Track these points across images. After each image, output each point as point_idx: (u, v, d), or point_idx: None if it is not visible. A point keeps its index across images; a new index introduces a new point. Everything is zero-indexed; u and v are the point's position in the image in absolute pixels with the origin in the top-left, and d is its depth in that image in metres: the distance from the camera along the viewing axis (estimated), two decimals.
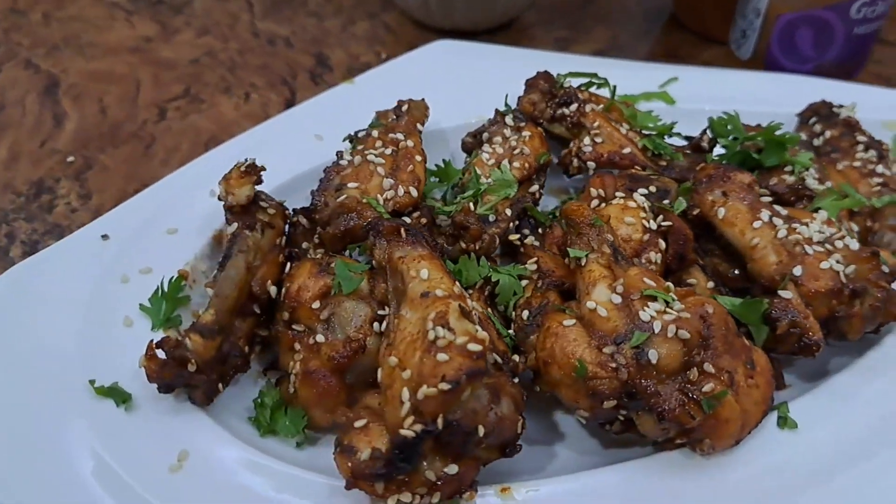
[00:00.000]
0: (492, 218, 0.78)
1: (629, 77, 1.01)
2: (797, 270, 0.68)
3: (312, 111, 0.95)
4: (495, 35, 1.25)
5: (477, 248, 0.76)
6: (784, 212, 0.75)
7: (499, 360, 0.61)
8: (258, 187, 0.74)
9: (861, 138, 0.89)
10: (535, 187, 0.85)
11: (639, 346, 0.60)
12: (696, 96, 1.01)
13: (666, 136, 0.90)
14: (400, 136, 0.84)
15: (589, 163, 0.87)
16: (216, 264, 0.74)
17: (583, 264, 0.68)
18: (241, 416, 0.68)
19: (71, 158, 1.03)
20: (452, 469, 0.57)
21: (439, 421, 0.55)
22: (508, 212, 0.80)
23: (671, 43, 1.25)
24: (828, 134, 0.91)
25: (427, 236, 0.69)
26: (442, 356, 0.56)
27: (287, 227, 0.78)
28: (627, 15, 1.33)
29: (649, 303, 0.62)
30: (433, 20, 1.23)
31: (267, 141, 0.90)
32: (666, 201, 0.80)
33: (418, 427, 0.55)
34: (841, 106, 0.93)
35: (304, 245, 0.78)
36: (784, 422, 0.65)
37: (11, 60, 1.21)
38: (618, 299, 0.63)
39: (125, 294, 0.72)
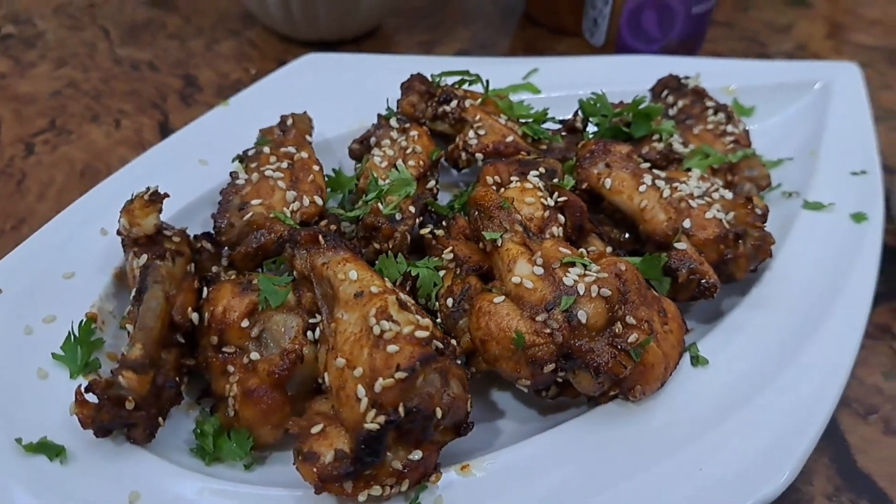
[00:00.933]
0: (398, 216, 0.80)
1: (495, 72, 1.06)
2: (686, 223, 0.75)
3: (191, 137, 0.93)
4: (360, 44, 1.27)
5: (390, 246, 0.78)
6: (663, 174, 0.82)
7: (440, 345, 0.63)
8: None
9: (709, 104, 0.99)
10: (431, 183, 0.88)
11: (568, 308, 0.64)
12: (559, 84, 1.08)
13: (541, 123, 0.96)
14: (292, 149, 0.84)
15: (477, 154, 0.91)
16: (124, 303, 0.72)
17: (499, 245, 0.71)
18: (182, 449, 0.66)
19: None
20: (417, 455, 0.58)
21: (400, 409, 0.56)
22: (412, 209, 0.82)
23: (528, 38, 1.33)
24: (680, 104, 1.01)
25: (345, 242, 0.70)
26: (392, 347, 0.58)
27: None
28: (484, 14, 1.39)
29: (570, 269, 0.66)
30: (298, 33, 1.23)
31: (150, 171, 0.87)
32: (555, 180, 0.85)
33: (381, 419, 0.56)
34: (687, 77, 1.03)
35: (214, 269, 0.76)
36: (696, 360, 0.71)
37: None
38: (540, 270, 0.67)
39: (32, 346, 0.67)
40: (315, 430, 0.59)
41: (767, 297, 0.78)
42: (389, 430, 0.56)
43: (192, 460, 0.65)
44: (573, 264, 0.67)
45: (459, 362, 0.63)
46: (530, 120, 0.96)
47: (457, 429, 0.62)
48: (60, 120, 1.11)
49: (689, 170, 0.85)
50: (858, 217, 0.87)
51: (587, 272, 0.66)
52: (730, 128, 0.96)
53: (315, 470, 0.57)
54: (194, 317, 0.68)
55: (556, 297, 0.65)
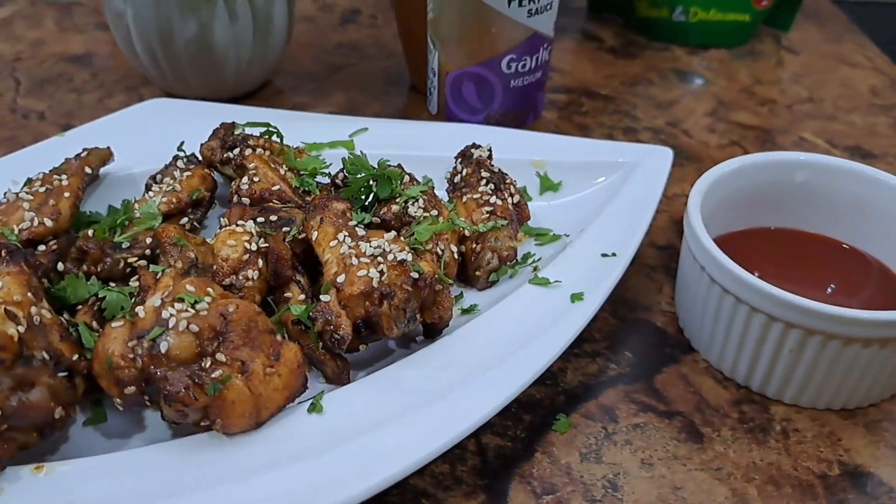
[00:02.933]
0: (125, 245, 0.89)
1: (328, 128, 1.16)
2: (340, 278, 0.80)
3: (22, 161, 1.06)
4: (249, 99, 1.40)
5: (98, 270, 0.87)
6: (362, 232, 0.87)
7: (46, 357, 0.71)
8: None
9: (485, 174, 1.02)
10: (184, 220, 0.97)
11: (154, 338, 0.70)
12: (381, 144, 1.14)
13: (314, 176, 1.03)
14: (63, 177, 0.96)
15: (244, 199, 0.99)
16: None
17: (158, 277, 0.79)
18: None
19: None
20: None
21: None
22: (148, 240, 0.91)
23: (400, 104, 1.40)
24: (465, 172, 1.05)
25: (27, 257, 0.80)
26: None
27: None
28: (371, 81, 1.48)
29: (176, 304, 0.73)
30: (176, 91, 1.36)
31: None
32: (287, 228, 0.92)
33: None
34: (479, 147, 1.07)
35: None
36: (314, 407, 0.75)
37: None
38: (158, 302, 0.74)
39: None
40: None
41: (430, 352, 0.81)
42: None
43: None
44: (182, 300, 0.73)
45: (62, 374, 0.71)
46: (305, 173, 1.03)
47: (39, 431, 0.70)
48: None
49: (399, 232, 0.89)
50: (576, 297, 0.87)
51: (189, 308, 0.72)
52: (493, 199, 0.99)
53: None
54: None
55: (150, 327, 0.71)
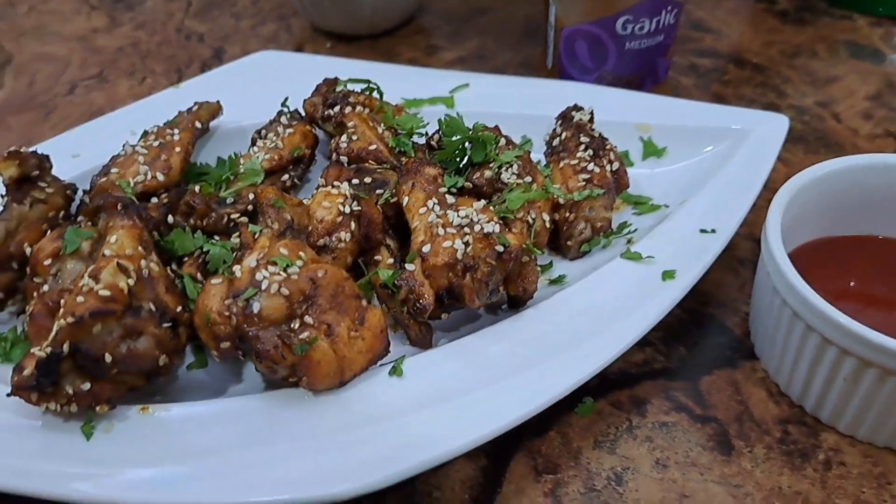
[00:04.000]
0: (229, 200, 0.94)
1: (429, 84, 1.16)
2: (426, 248, 0.81)
3: (138, 112, 1.12)
4: (387, 37, 1.44)
5: (204, 224, 0.92)
6: (452, 200, 0.87)
7: (153, 308, 0.77)
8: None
9: (584, 139, 1.00)
10: (286, 177, 1.00)
11: (248, 299, 0.74)
12: (492, 101, 1.13)
13: (411, 136, 1.03)
14: (175, 131, 1.01)
15: (342, 157, 1.01)
16: None
17: (256, 238, 0.83)
18: None
19: None
20: (86, 386, 0.73)
21: (65, 347, 0.71)
22: (251, 196, 0.95)
23: (530, 55, 1.37)
24: (564, 135, 1.02)
25: (140, 212, 0.85)
26: (80, 299, 0.73)
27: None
28: (510, 28, 1.47)
29: (270, 266, 0.76)
30: (318, 24, 1.42)
31: (94, 134, 1.09)
32: (381, 191, 0.94)
33: (48, 350, 0.71)
34: (580, 109, 1.04)
35: (80, 218, 0.96)
36: (395, 370, 0.78)
37: None
38: (253, 263, 0.78)
39: None
40: (34, 350, 0.76)
41: (504, 329, 0.82)
42: (57, 360, 0.71)
43: None
44: (275, 263, 0.76)
45: (166, 325, 0.77)
46: (403, 132, 1.04)
47: (147, 376, 0.76)
48: (107, 71, 1.42)
49: (490, 200, 0.89)
50: (667, 275, 0.85)
51: (282, 272, 0.76)
52: (590, 166, 0.97)
53: (15, 378, 0.74)
54: (28, 250, 0.88)
55: (246, 287, 0.75)
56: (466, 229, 0.82)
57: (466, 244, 0.80)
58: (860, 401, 0.73)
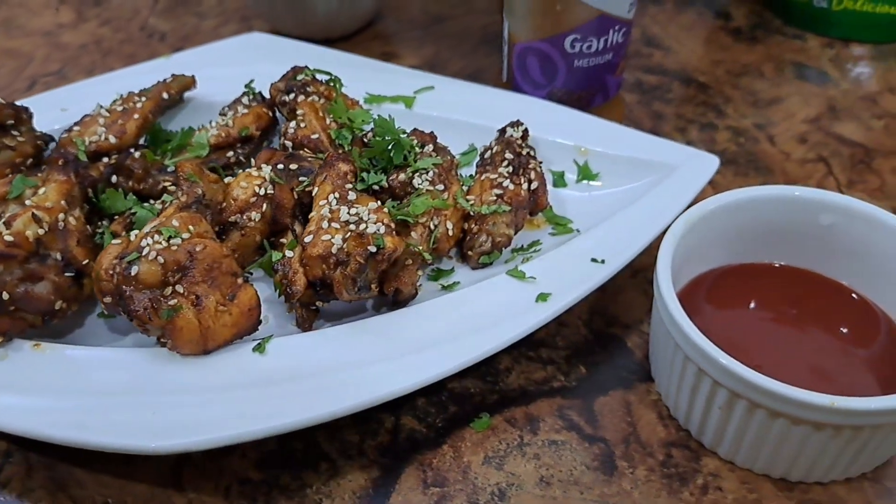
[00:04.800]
0: (170, 169, 1.02)
1: (396, 82, 1.21)
2: (308, 238, 0.87)
3: (126, 78, 1.22)
4: (342, 42, 1.47)
5: (141, 188, 1.01)
6: (353, 197, 0.92)
7: (59, 258, 0.86)
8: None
9: (508, 155, 1.03)
10: (230, 153, 1.08)
11: (129, 262, 0.82)
12: (449, 105, 1.17)
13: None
14: (142, 99, 1.10)
15: (287, 142, 1.08)
16: None
17: (164, 207, 0.91)
18: None
19: None
20: None
21: None
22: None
23: (483, 66, 1.40)
24: (495, 149, 1.06)
25: (78, 169, 0.95)
26: None
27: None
28: (465, 38, 1.48)
29: (156, 235, 0.84)
30: (274, 26, 1.46)
31: (78, 95, 1.19)
32: (304, 178, 1.00)
33: None
34: (517, 125, 1.06)
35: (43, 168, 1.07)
36: (259, 347, 0.84)
37: None
38: (147, 230, 0.86)
39: None
40: None
41: (386, 318, 0.87)
42: None
43: None
44: (161, 232, 0.84)
45: (69, 274, 0.86)
46: (344, 126, 1.09)
47: (43, 316, 0.86)
48: (67, 68, 1.44)
49: (400, 202, 0.95)
50: (541, 297, 0.88)
51: (163, 241, 0.83)
52: (506, 182, 1.00)
53: None
54: None
55: (132, 252, 0.83)
56: (352, 226, 0.87)
57: (344, 240, 0.85)
58: (735, 430, 0.75)
